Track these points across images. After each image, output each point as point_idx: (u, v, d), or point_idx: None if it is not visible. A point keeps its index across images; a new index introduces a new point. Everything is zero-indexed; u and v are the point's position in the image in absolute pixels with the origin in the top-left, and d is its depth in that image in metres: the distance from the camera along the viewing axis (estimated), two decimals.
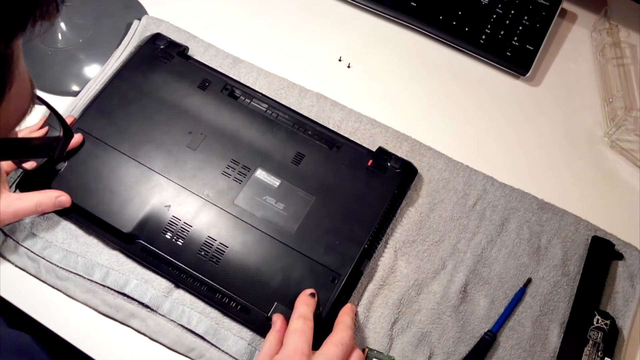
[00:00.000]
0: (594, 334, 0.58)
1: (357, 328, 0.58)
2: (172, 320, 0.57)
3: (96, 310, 0.58)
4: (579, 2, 0.80)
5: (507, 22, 0.75)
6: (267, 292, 0.57)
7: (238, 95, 0.67)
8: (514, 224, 0.64)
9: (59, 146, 0.40)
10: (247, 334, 0.57)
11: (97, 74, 0.69)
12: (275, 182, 0.62)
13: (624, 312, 0.60)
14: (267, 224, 0.60)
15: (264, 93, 0.68)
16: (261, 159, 0.63)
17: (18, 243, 0.60)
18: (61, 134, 0.42)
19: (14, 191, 0.60)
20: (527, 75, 0.73)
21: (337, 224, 0.60)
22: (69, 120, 0.64)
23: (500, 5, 0.76)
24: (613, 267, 0.62)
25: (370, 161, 0.64)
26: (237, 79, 0.69)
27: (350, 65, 0.74)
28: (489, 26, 0.75)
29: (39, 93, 0.69)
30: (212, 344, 0.57)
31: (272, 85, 0.70)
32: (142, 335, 0.57)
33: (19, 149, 0.35)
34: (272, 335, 0.53)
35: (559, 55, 0.76)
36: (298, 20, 0.77)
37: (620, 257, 0.63)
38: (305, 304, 0.54)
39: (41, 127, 0.63)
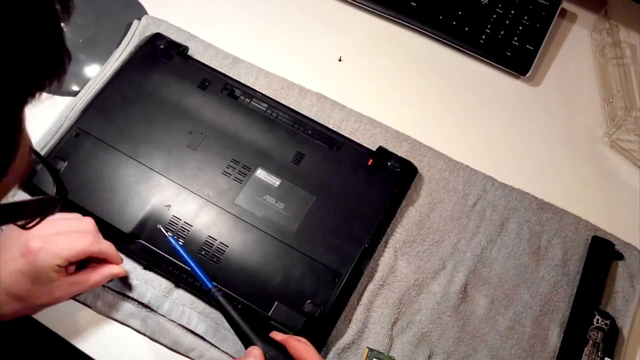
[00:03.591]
0: (594, 334, 0.58)
1: (358, 328, 0.58)
2: (172, 320, 0.57)
3: (96, 310, 0.58)
4: (579, 2, 0.80)
5: (507, 22, 0.75)
6: (267, 291, 0.57)
7: (238, 95, 0.67)
8: (514, 224, 0.64)
9: (53, 207, 0.38)
10: None
11: (97, 73, 0.69)
12: (275, 181, 0.62)
13: (624, 312, 0.60)
14: (267, 223, 0.60)
15: (264, 93, 0.68)
16: (261, 158, 0.63)
17: None
18: (54, 193, 0.39)
19: None
20: (527, 75, 0.73)
21: (338, 223, 0.60)
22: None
23: (500, 5, 0.76)
24: (613, 267, 0.62)
25: (371, 161, 0.64)
26: (237, 78, 0.69)
27: (350, 65, 0.74)
28: (489, 26, 0.75)
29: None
30: (212, 344, 0.57)
31: (272, 85, 0.70)
32: (142, 335, 0.57)
33: (16, 212, 0.34)
34: None
35: (559, 55, 0.77)
36: (298, 20, 0.77)
37: (620, 257, 0.63)
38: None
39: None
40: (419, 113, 0.71)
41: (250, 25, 0.76)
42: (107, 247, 0.55)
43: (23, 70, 0.27)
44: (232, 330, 0.54)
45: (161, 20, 0.73)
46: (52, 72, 0.29)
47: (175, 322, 0.57)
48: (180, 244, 0.57)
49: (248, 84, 0.69)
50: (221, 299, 0.54)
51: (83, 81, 0.70)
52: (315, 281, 0.57)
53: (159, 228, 0.58)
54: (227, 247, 0.58)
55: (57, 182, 0.39)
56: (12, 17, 0.26)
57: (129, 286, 0.58)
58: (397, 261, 0.61)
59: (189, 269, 0.56)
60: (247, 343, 0.52)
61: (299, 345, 0.51)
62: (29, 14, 0.27)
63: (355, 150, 0.65)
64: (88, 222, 0.55)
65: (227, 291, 0.56)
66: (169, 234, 0.58)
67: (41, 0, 0.28)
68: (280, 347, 0.52)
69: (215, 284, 0.55)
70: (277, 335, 0.53)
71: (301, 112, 0.67)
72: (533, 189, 0.66)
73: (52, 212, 0.37)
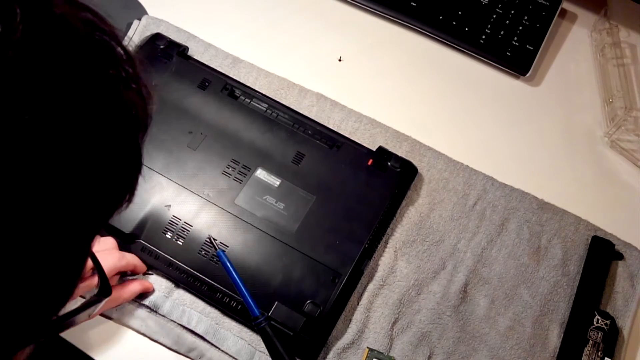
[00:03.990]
0: (594, 334, 0.58)
1: (358, 328, 0.58)
2: (172, 321, 0.57)
3: None
4: (579, 2, 0.80)
5: (507, 22, 0.75)
6: (267, 291, 0.57)
7: (238, 95, 0.67)
8: (514, 224, 0.64)
9: (98, 305, 0.40)
10: (247, 334, 0.57)
11: None
12: (275, 181, 0.62)
13: (624, 312, 0.60)
14: (267, 223, 0.60)
15: (264, 93, 0.68)
16: (261, 158, 0.63)
17: None
18: (95, 293, 0.40)
19: None
20: (527, 75, 0.73)
21: (338, 223, 0.60)
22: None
23: (500, 5, 0.76)
24: (613, 267, 0.62)
25: (371, 161, 0.64)
26: (237, 78, 0.69)
27: (350, 65, 0.74)
28: (488, 26, 0.75)
29: None
30: (212, 344, 0.57)
31: (272, 85, 0.70)
32: (142, 335, 0.57)
33: (72, 320, 0.36)
34: None
35: (559, 55, 0.76)
36: (298, 20, 0.77)
37: (620, 257, 0.63)
38: None
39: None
40: (419, 113, 0.71)
41: (250, 25, 0.76)
42: (132, 259, 0.57)
43: (104, 211, 0.29)
44: (269, 357, 0.54)
45: (161, 20, 0.73)
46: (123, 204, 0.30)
47: (175, 322, 0.57)
48: (231, 262, 0.57)
49: (248, 84, 0.69)
50: (268, 330, 0.54)
51: None
52: (315, 281, 0.57)
53: (211, 238, 0.58)
54: (227, 247, 0.58)
55: (102, 281, 0.40)
56: (102, 174, 0.27)
57: None
58: (397, 261, 0.61)
59: (237, 289, 0.55)
60: None
61: None
62: (114, 167, 0.28)
63: (355, 150, 0.65)
64: (110, 241, 0.58)
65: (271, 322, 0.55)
66: (220, 248, 0.58)
67: (128, 149, 0.29)
68: None
69: (262, 312, 0.55)
70: None
71: (301, 112, 0.67)
72: (533, 189, 0.66)
73: (95, 309, 0.39)
